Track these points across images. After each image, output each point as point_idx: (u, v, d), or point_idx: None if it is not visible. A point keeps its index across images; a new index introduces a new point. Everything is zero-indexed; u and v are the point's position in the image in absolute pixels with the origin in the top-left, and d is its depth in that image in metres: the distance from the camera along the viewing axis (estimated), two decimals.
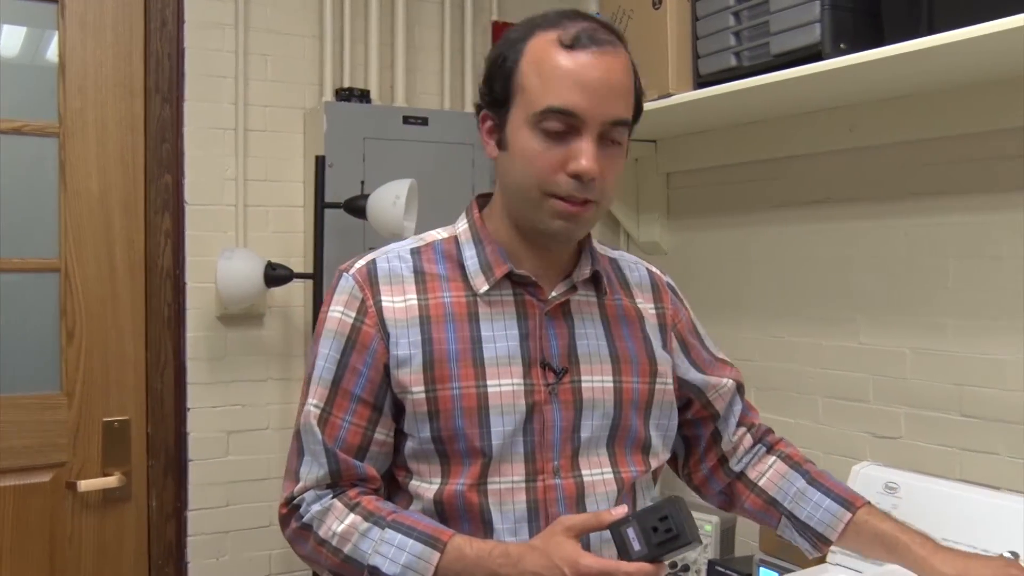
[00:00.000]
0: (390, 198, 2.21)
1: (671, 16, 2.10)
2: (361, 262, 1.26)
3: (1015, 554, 1.37)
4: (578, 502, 1.21)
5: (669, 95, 2.09)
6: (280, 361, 2.53)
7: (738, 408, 1.42)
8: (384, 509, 1.19)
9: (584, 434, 1.23)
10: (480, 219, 1.27)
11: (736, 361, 2.30)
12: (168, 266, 2.35)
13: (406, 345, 1.19)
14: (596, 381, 1.24)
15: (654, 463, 1.30)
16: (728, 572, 2.01)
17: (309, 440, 1.22)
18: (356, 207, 2.30)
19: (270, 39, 2.49)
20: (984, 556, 1.25)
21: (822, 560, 1.68)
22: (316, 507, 1.20)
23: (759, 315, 2.32)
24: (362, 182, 2.39)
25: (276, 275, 2.31)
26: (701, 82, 2.07)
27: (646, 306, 1.35)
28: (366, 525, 1.17)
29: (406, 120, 2.50)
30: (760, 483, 1.39)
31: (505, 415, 1.18)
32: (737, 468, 1.41)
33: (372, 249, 1.29)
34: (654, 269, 1.41)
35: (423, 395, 1.18)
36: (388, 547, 1.14)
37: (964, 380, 1.86)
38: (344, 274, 1.25)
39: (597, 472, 1.23)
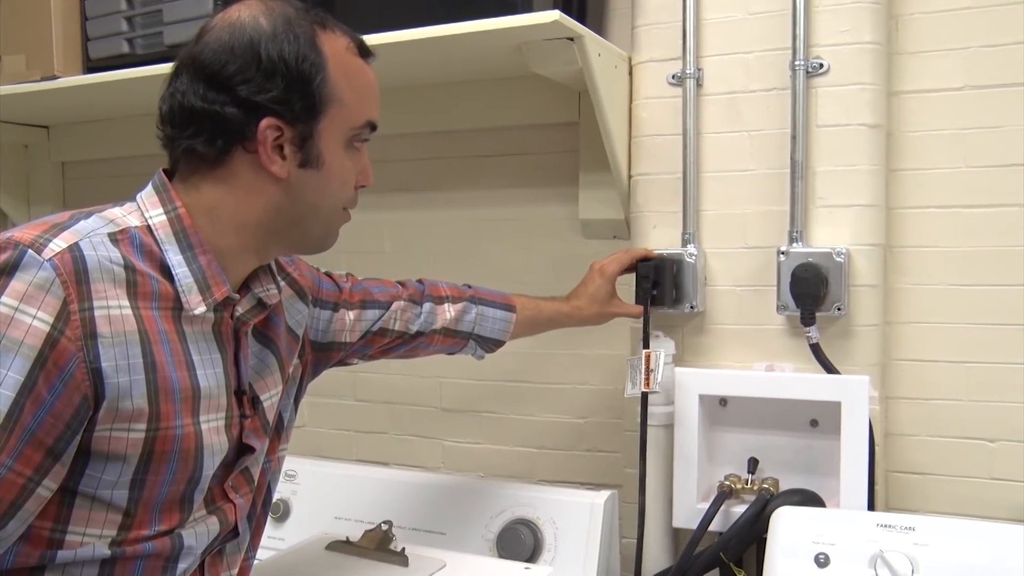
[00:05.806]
0: None
1: None
2: (58, 243, 0.88)
3: (389, 523, 1.48)
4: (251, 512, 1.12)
5: (55, 77, 1.91)
6: None
7: (379, 293, 1.36)
8: None
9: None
10: (188, 215, 1.00)
11: None
12: None
13: (125, 370, 0.89)
14: (271, 398, 1.12)
15: None
16: None
17: None
18: None
19: None
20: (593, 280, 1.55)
21: None
22: None
23: None
24: None
25: None
26: (92, 66, 1.92)
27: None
28: None
29: None
30: (446, 326, 1.42)
31: (215, 456, 1.00)
32: (414, 330, 1.39)
33: (63, 219, 0.93)
34: None
35: (142, 435, 0.91)
36: None
37: (356, 367, 1.82)
38: (34, 256, 0.86)
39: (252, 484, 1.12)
